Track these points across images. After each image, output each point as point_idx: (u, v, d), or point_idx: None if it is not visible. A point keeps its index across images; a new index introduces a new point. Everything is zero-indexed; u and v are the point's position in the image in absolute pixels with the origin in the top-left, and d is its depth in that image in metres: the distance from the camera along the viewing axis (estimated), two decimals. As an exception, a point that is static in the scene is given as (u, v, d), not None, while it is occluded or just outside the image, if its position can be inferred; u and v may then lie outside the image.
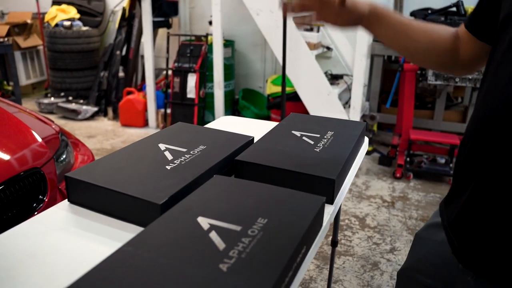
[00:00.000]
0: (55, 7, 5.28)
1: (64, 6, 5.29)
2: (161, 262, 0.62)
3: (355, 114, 3.71)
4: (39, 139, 1.89)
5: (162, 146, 1.09)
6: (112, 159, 1.02)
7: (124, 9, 4.82)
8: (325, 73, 4.26)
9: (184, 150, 1.07)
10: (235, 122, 1.58)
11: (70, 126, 4.58)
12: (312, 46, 3.82)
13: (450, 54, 1.01)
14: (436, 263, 0.88)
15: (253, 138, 1.19)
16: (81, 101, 4.97)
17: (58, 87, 5.24)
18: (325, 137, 1.19)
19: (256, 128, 1.43)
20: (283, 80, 3.64)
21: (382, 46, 4.37)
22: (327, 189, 0.95)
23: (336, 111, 3.73)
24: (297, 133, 1.22)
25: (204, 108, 4.22)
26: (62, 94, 5.15)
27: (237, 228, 0.71)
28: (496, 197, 0.74)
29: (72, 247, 0.77)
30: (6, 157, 1.70)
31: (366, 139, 1.41)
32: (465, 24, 0.99)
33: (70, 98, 5.06)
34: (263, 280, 0.58)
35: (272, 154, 1.06)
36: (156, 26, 4.56)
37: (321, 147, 1.12)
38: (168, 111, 4.29)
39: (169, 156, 1.03)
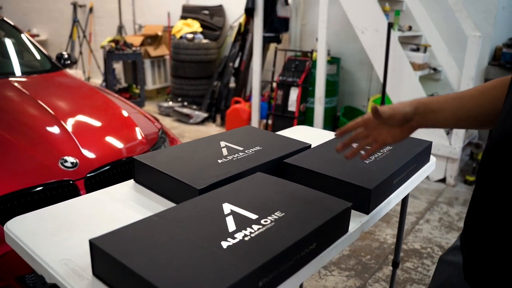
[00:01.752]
0: (182, 21, 5.79)
1: (189, 20, 5.78)
2: (175, 232, 0.71)
3: (457, 140, 3.49)
4: (142, 135, 2.16)
5: (222, 144, 1.19)
6: (176, 149, 1.15)
7: (240, 25, 5.13)
8: (431, 95, 4.07)
9: (241, 148, 1.16)
10: (307, 131, 1.63)
11: (181, 128, 4.98)
12: (416, 67, 3.69)
13: None
14: (456, 286, 0.85)
15: (310, 145, 1.24)
16: (194, 107, 5.36)
17: (177, 92, 5.72)
18: (381, 151, 1.20)
19: (322, 139, 1.46)
20: (383, 99, 3.57)
21: (499, 70, 4.06)
22: (363, 198, 0.97)
23: (436, 136, 3.55)
24: (355, 145, 1.24)
25: (303, 122, 4.29)
26: (180, 99, 5.61)
27: (254, 216, 0.78)
28: (495, 217, 0.72)
29: (122, 215, 0.90)
30: (114, 145, 2.06)
31: (433, 159, 1.37)
32: None
33: (185, 103, 5.49)
34: (253, 261, 0.64)
35: (320, 160, 1.10)
36: (267, 41, 4.77)
37: (372, 159, 1.13)
38: (270, 121, 4.45)
39: (225, 152, 1.13)
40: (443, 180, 3.65)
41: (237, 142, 1.20)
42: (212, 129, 5.01)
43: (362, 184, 0.97)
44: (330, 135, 1.54)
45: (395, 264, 1.63)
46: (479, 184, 0.79)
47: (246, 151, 1.14)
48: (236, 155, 1.11)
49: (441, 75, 4.10)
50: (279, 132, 1.50)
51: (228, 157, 1.09)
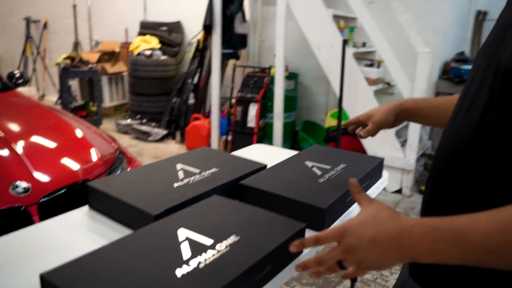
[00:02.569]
0: (140, 37, 5.75)
1: (147, 37, 5.75)
2: (130, 261, 0.71)
3: (411, 151, 3.62)
4: (98, 156, 2.12)
5: (179, 166, 1.20)
6: (131, 173, 1.15)
7: (198, 41, 5.15)
8: (387, 109, 4.22)
9: (197, 171, 1.16)
10: (264, 150, 1.66)
11: (140, 146, 4.91)
12: (371, 82, 3.82)
13: None
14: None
15: (265, 166, 1.26)
16: (153, 124, 5.31)
17: (135, 110, 5.65)
18: (335, 169, 1.23)
19: (280, 157, 1.49)
20: (339, 114, 3.66)
21: (448, 83, 4.26)
22: (318, 217, 1.00)
23: (391, 148, 3.68)
24: (309, 164, 1.27)
25: (263, 137, 4.34)
26: (138, 116, 5.54)
27: (209, 241, 0.78)
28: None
29: (76, 244, 0.89)
30: (69, 167, 2.01)
31: (386, 175, 1.42)
32: None
33: (144, 120, 5.43)
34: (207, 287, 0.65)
35: (275, 181, 1.12)
36: (225, 57, 4.81)
37: (326, 178, 1.16)
38: (230, 138, 4.47)
39: (181, 175, 1.13)
40: (399, 191, 3.77)
41: (194, 164, 1.21)
42: (171, 146, 4.97)
43: (316, 204, 0.99)
44: (286, 153, 1.58)
45: (352, 279, 1.67)
46: (425, 192, 0.85)
47: (202, 174, 1.14)
48: (192, 178, 1.11)
49: (394, 89, 4.26)
50: (236, 152, 1.51)
51: (184, 180, 1.09)
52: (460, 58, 4.31)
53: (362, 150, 3.89)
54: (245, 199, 1.08)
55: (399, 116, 1.14)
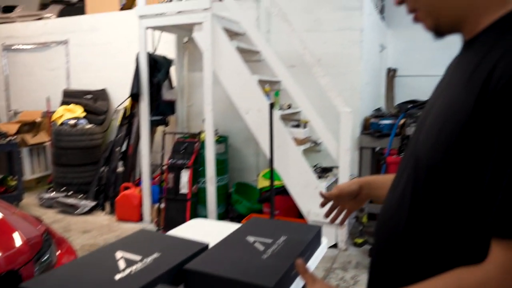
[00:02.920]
0: (64, 106, 5.59)
1: (71, 106, 5.61)
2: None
3: (343, 207, 3.75)
4: (21, 241, 1.97)
5: (118, 254, 1.16)
6: (68, 269, 1.09)
7: (125, 108, 5.11)
8: (315, 166, 4.39)
9: (138, 258, 1.13)
10: (202, 225, 1.65)
11: (67, 221, 4.65)
12: (299, 142, 3.98)
13: None
14: None
15: (207, 245, 1.26)
16: (80, 196, 5.08)
17: (60, 181, 5.38)
18: (276, 242, 1.26)
19: (219, 231, 1.49)
20: (271, 175, 3.75)
21: (370, 138, 4.54)
22: (266, 296, 1.00)
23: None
24: (251, 239, 1.28)
25: (197, 203, 4.30)
26: (63, 188, 5.28)
27: None
28: None
29: None
30: None
31: (325, 241, 1.47)
32: None
33: (70, 192, 5.18)
34: None
35: (219, 262, 1.12)
36: (154, 124, 4.80)
37: (269, 254, 1.18)
38: (162, 205, 4.37)
39: (122, 264, 1.09)
40: (335, 246, 3.86)
41: (134, 250, 1.18)
42: (101, 218, 4.76)
43: (264, 283, 1.00)
44: (224, 227, 1.58)
45: None
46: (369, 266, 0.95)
47: (144, 261, 1.11)
48: (134, 267, 1.08)
49: (321, 146, 4.46)
50: (174, 231, 1.49)
51: (126, 271, 1.06)
52: (378, 114, 4.64)
53: (295, 208, 3.98)
54: (192, 283, 1.07)
55: (362, 189, 1.23)
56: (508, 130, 0.65)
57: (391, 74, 6.09)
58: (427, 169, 0.78)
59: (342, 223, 1.34)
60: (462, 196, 0.73)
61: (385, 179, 1.18)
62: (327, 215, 1.33)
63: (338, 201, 1.29)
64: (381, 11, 5.69)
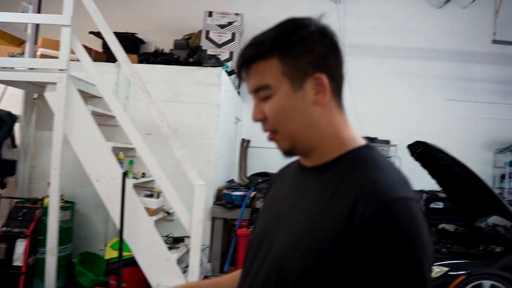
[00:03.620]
0: None
1: None
2: None
3: (193, 278, 3.76)
4: None
5: None
6: None
7: (-47, 166, 4.52)
8: (167, 236, 4.36)
9: None
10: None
11: None
12: (151, 212, 3.95)
13: None
14: None
15: None
16: None
17: None
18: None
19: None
20: (120, 245, 3.62)
21: (222, 209, 4.70)
22: None
23: (174, 276, 3.75)
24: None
25: (33, 276, 3.89)
26: None
27: None
28: None
29: None
30: None
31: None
32: None
33: None
34: None
35: None
36: (-12, 186, 4.32)
37: None
38: (-10, 279, 3.86)
39: None
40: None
41: None
42: None
43: None
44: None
45: None
46: None
47: None
48: None
49: (174, 215, 4.47)
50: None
51: None
52: (231, 185, 4.86)
53: (145, 280, 3.85)
54: None
55: None
56: (375, 257, 0.78)
57: (245, 144, 6.49)
58: (298, 284, 0.86)
59: None
60: None
61: (206, 284, 1.32)
62: None
63: None
64: (238, 86, 6.13)
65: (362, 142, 1.00)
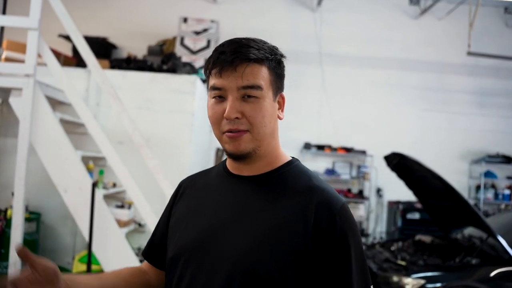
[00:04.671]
0: None
1: None
2: None
3: (165, 294, 3.70)
4: None
5: None
6: None
7: None
8: (139, 248, 4.28)
9: None
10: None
11: None
12: (122, 224, 3.87)
13: (147, 286, 1.25)
14: None
15: None
16: None
17: None
18: None
19: None
20: (89, 258, 3.54)
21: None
22: None
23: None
24: None
25: (-7, 292, 3.75)
26: None
27: None
28: None
29: None
30: None
31: None
32: (143, 254, 1.28)
33: None
34: None
35: None
36: None
37: None
38: None
39: None
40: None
41: None
42: None
43: None
44: None
45: None
46: None
47: None
48: None
49: (146, 227, 4.39)
50: None
51: None
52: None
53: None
54: None
55: (65, 280, 1.07)
56: (345, 246, 1.02)
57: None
58: (266, 282, 0.99)
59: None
60: None
61: (88, 278, 1.19)
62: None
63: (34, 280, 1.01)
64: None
65: (289, 156, 1.17)
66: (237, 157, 1.08)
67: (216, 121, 1.07)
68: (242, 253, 1.01)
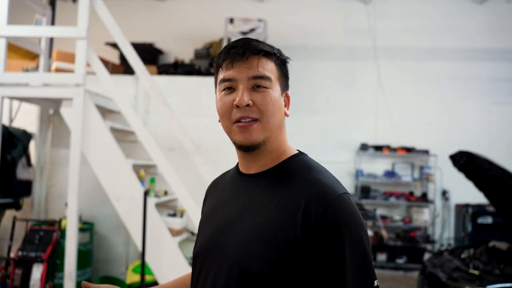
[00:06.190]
0: None
1: None
2: None
3: (220, 305, 3.69)
4: None
5: None
6: None
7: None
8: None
9: None
10: None
11: None
12: (175, 233, 3.91)
13: None
14: None
15: None
16: None
17: None
18: None
19: None
20: (142, 269, 3.59)
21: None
22: None
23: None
24: None
25: (51, 303, 3.90)
26: None
27: None
28: None
29: None
30: None
31: None
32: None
33: None
34: None
35: None
36: (2, 208, 4.37)
37: None
38: (6, 307, 3.88)
39: None
40: None
41: None
42: None
43: None
44: None
45: None
46: None
47: None
48: None
49: (198, 236, 4.43)
50: None
51: None
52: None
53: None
54: None
55: None
56: (337, 243, 1.01)
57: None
58: (259, 278, 1.03)
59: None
60: None
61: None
62: None
63: None
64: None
65: (296, 150, 1.22)
66: (247, 148, 1.13)
67: (226, 112, 1.14)
68: (238, 251, 1.08)
